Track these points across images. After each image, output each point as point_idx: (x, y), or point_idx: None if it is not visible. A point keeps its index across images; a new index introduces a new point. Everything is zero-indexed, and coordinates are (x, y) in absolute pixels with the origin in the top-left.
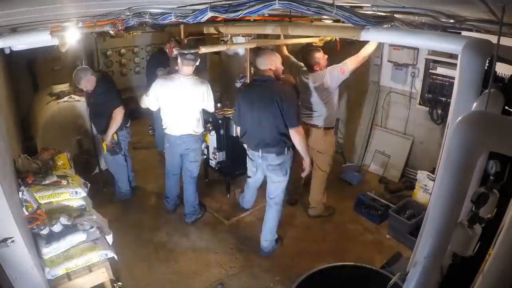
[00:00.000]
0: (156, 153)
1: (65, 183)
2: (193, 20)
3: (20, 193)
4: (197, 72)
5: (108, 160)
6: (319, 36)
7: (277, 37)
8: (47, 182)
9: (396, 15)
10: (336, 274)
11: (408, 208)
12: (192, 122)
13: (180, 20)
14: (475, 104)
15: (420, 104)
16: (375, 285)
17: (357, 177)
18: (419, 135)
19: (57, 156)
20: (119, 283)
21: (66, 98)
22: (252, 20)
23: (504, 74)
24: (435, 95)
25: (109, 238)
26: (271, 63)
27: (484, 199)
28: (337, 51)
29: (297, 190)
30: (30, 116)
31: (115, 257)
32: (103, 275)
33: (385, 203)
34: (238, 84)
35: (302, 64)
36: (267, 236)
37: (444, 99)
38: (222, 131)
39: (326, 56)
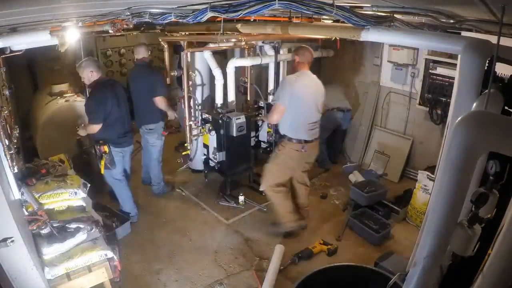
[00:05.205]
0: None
1: (63, 184)
2: (193, 20)
3: (20, 193)
4: None
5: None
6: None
7: None
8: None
9: (396, 15)
10: (336, 274)
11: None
12: None
13: (180, 20)
14: (475, 104)
15: (420, 104)
16: (375, 285)
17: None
18: (419, 135)
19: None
20: (119, 283)
21: (66, 98)
22: (252, 20)
23: (504, 74)
24: (435, 95)
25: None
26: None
27: (484, 199)
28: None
29: None
30: (30, 116)
31: (115, 257)
32: (103, 275)
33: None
34: None
35: None
36: None
37: (444, 99)
38: (222, 131)
39: None
